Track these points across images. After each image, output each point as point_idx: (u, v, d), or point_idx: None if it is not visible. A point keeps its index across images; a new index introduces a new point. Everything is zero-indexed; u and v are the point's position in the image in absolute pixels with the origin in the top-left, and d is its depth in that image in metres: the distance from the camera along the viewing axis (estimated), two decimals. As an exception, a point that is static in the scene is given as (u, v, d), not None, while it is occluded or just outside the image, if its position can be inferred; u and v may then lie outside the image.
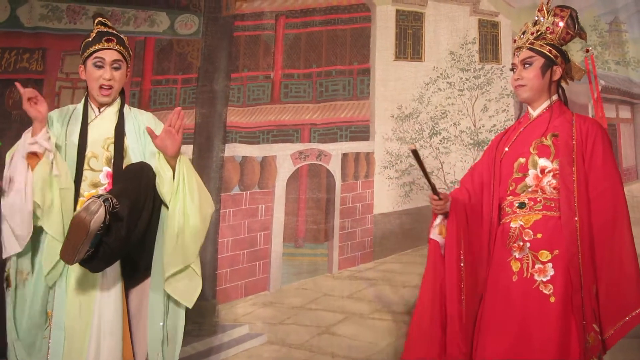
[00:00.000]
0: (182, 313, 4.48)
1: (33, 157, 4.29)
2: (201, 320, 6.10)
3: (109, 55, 4.56)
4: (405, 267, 6.30)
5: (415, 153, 4.21)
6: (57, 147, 4.45)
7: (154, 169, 4.40)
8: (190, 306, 4.43)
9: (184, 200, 4.36)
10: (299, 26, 6.88)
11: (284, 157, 6.55)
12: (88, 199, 4.01)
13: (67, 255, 4.00)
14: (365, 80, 6.68)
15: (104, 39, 4.60)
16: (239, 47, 6.90)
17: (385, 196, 6.48)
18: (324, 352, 6.12)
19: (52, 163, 4.31)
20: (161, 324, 4.39)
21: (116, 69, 4.58)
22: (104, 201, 3.94)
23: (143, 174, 4.35)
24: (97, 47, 4.57)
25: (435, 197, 4.36)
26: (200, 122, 6.54)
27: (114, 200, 3.99)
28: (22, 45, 6.97)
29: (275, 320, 6.23)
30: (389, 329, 6.10)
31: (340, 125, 6.65)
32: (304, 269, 6.39)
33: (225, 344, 6.20)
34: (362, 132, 6.61)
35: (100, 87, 4.55)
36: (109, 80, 4.54)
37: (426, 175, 4.32)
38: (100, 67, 4.55)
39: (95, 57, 4.56)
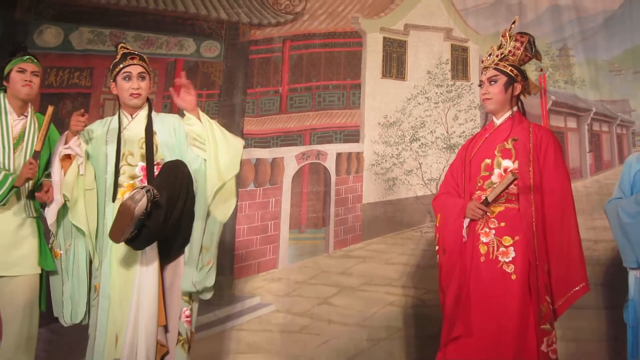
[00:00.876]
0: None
1: (66, 159, 4.44)
2: (221, 292, 6.06)
3: (135, 69, 4.65)
4: (389, 247, 6.37)
5: (514, 179, 4.24)
6: (93, 153, 4.61)
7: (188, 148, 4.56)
8: (225, 220, 4.58)
9: (214, 135, 4.50)
10: (302, 48, 6.87)
11: (290, 158, 6.55)
12: (133, 189, 4.12)
13: (114, 235, 4.11)
14: (356, 94, 6.70)
15: (128, 57, 4.70)
16: (253, 67, 6.88)
17: (372, 189, 6.51)
18: (322, 319, 6.17)
19: (79, 166, 4.46)
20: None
21: (142, 79, 4.66)
22: (146, 191, 4.05)
23: (178, 170, 4.41)
24: (124, 64, 4.66)
25: (486, 209, 4.37)
26: None
27: (155, 191, 4.09)
28: (73, 64, 6.87)
29: (282, 293, 6.28)
30: (376, 299, 6.17)
31: (335, 130, 6.68)
32: (306, 250, 6.42)
33: (240, 312, 6.24)
34: (353, 135, 6.63)
35: (130, 95, 4.61)
36: (137, 89, 4.61)
37: (498, 195, 4.31)
38: (128, 79, 4.62)
39: (124, 72, 4.64)
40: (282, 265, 6.36)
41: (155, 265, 4.39)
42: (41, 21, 6.97)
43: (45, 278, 4.79)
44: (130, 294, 4.34)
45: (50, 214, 4.54)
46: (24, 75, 4.87)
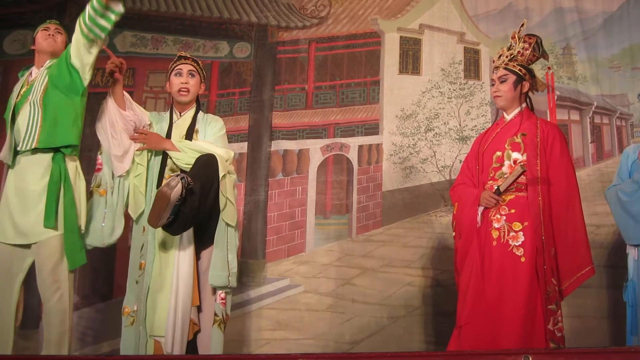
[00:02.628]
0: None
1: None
2: (254, 274, 6.17)
3: (185, 67, 4.72)
4: (406, 231, 6.34)
5: (523, 170, 4.27)
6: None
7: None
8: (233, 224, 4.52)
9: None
10: (326, 49, 6.88)
11: (315, 149, 6.55)
12: (169, 178, 4.18)
13: (152, 220, 4.13)
14: (376, 89, 6.67)
15: (181, 58, 4.78)
16: (281, 66, 6.90)
17: (391, 177, 6.48)
18: (346, 299, 6.14)
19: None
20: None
21: (191, 76, 4.70)
22: (181, 179, 4.08)
23: (210, 163, 4.39)
24: (177, 63, 4.75)
25: (499, 198, 4.38)
26: (252, 124, 6.59)
27: (189, 179, 4.13)
28: None
29: (309, 275, 6.27)
30: (395, 280, 6.15)
31: (357, 124, 6.65)
32: (331, 235, 6.42)
33: (271, 292, 6.25)
34: (373, 128, 6.60)
35: (180, 90, 4.66)
36: (186, 84, 4.66)
37: (509, 186, 4.34)
38: (179, 75, 4.69)
39: (176, 69, 4.72)
40: (309, 249, 6.37)
41: (191, 251, 4.42)
42: (87, 26, 6.99)
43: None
44: (170, 277, 4.36)
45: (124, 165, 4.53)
46: (47, 32, 4.78)
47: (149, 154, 4.60)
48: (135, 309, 4.44)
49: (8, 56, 6.90)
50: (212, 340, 4.39)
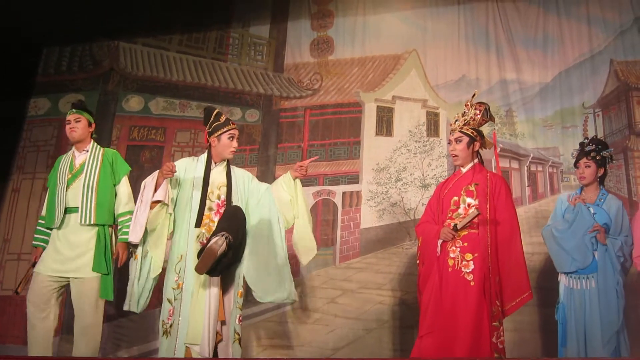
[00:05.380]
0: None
1: (154, 204, 4.45)
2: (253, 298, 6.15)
3: (236, 132, 4.69)
4: (379, 260, 6.30)
5: (477, 213, 4.34)
6: (182, 183, 4.61)
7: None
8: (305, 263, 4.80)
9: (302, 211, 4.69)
10: (318, 115, 6.89)
11: (308, 195, 6.42)
12: (215, 235, 4.16)
13: (200, 269, 4.19)
14: (357, 148, 6.67)
15: (231, 122, 4.72)
16: (283, 128, 6.93)
17: (367, 217, 6.45)
18: (331, 314, 6.12)
19: (167, 208, 4.51)
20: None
21: (237, 140, 4.71)
22: (225, 238, 4.11)
23: (238, 215, 4.43)
24: (229, 127, 4.67)
25: (455, 233, 4.41)
26: (260, 175, 6.50)
27: (231, 237, 4.15)
28: (151, 124, 7.00)
29: (301, 294, 6.22)
30: (369, 299, 6.11)
31: (341, 175, 6.64)
32: (319, 263, 6.33)
33: (270, 308, 6.17)
34: (354, 178, 6.59)
35: (231, 152, 4.66)
36: (235, 147, 4.68)
37: (465, 225, 4.37)
38: (232, 139, 4.66)
39: (230, 133, 4.66)
40: (302, 274, 6.30)
41: (218, 279, 4.43)
42: (127, 92, 7.15)
43: (113, 277, 4.83)
44: (204, 297, 4.36)
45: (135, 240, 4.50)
46: (69, 125, 4.96)
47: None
48: (167, 321, 4.41)
49: (62, 114, 6.88)
50: (233, 354, 4.41)
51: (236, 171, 4.79)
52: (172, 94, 7.13)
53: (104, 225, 4.84)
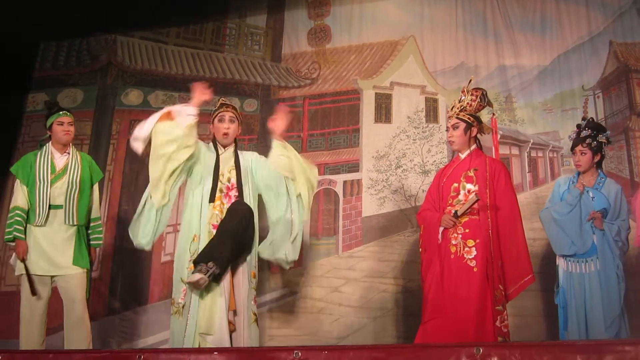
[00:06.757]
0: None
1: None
2: (262, 284, 5.96)
3: (227, 114, 4.73)
4: (381, 248, 6.31)
5: (477, 199, 4.36)
6: (202, 162, 4.64)
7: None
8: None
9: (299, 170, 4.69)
10: (317, 104, 6.89)
11: None
12: (197, 273, 4.17)
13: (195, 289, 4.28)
14: (356, 136, 6.66)
15: (223, 106, 4.76)
16: None
17: (369, 206, 6.45)
18: (334, 303, 6.15)
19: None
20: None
21: (232, 122, 4.72)
22: (207, 271, 4.16)
23: (238, 211, 4.45)
24: (220, 110, 4.74)
25: (456, 220, 4.43)
26: None
27: (209, 265, 4.18)
28: None
29: (305, 284, 6.27)
30: (372, 288, 6.13)
31: (342, 164, 6.64)
32: (322, 252, 6.38)
33: (275, 298, 6.24)
34: (354, 167, 6.58)
35: (223, 134, 4.69)
36: (227, 129, 4.69)
37: (465, 211, 4.40)
38: (222, 121, 4.70)
39: (219, 115, 4.72)
40: (305, 264, 6.32)
41: (229, 271, 4.45)
42: (126, 86, 7.12)
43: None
44: (220, 288, 4.36)
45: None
46: (63, 127, 5.08)
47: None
48: (180, 301, 4.42)
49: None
50: (251, 335, 4.43)
51: (245, 155, 4.84)
52: (172, 86, 7.11)
53: (82, 225, 5.07)
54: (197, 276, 4.15)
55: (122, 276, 6.37)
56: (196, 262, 4.25)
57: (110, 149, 7.00)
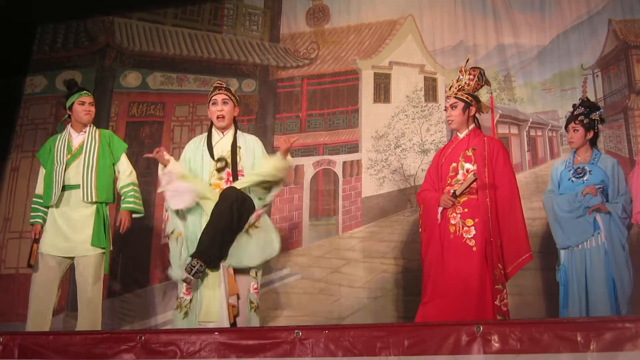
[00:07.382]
0: None
1: None
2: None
3: (219, 96, 4.69)
4: (381, 229, 6.32)
5: (475, 178, 4.33)
6: (193, 159, 4.66)
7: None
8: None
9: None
10: (316, 84, 6.88)
11: (308, 165, 6.56)
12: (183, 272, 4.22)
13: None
14: (355, 116, 6.66)
15: (217, 89, 4.73)
16: (280, 98, 6.91)
17: (368, 186, 6.45)
18: (334, 284, 6.16)
19: None
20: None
21: (225, 104, 4.67)
22: (193, 274, 4.18)
23: (229, 199, 4.40)
24: (213, 93, 4.71)
25: (455, 200, 4.42)
26: None
27: (194, 266, 4.19)
28: (149, 100, 6.97)
29: (305, 265, 6.28)
30: (373, 268, 6.14)
31: (341, 144, 6.65)
32: (322, 233, 6.42)
33: (275, 279, 6.25)
34: (354, 147, 6.59)
35: (217, 117, 4.66)
36: (220, 111, 4.65)
37: (464, 190, 4.39)
38: (215, 104, 4.68)
39: (212, 100, 4.70)
40: (304, 244, 6.36)
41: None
42: (125, 68, 7.11)
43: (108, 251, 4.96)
44: (219, 275, 4.37)
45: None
46: (84, 107, 5.01)
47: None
48: (184, 297, 4.43)
49: (59, 92, 6.91)
50: (251, 323, 4.40)
51: (245, 137, 4.82)
52: (170, 68, 7.09)
53: (102, 203, 4.96)
54: (183, 275, 4.23)
55: (123, 258, 6.37)
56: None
57: (109, 131, 6.98)
